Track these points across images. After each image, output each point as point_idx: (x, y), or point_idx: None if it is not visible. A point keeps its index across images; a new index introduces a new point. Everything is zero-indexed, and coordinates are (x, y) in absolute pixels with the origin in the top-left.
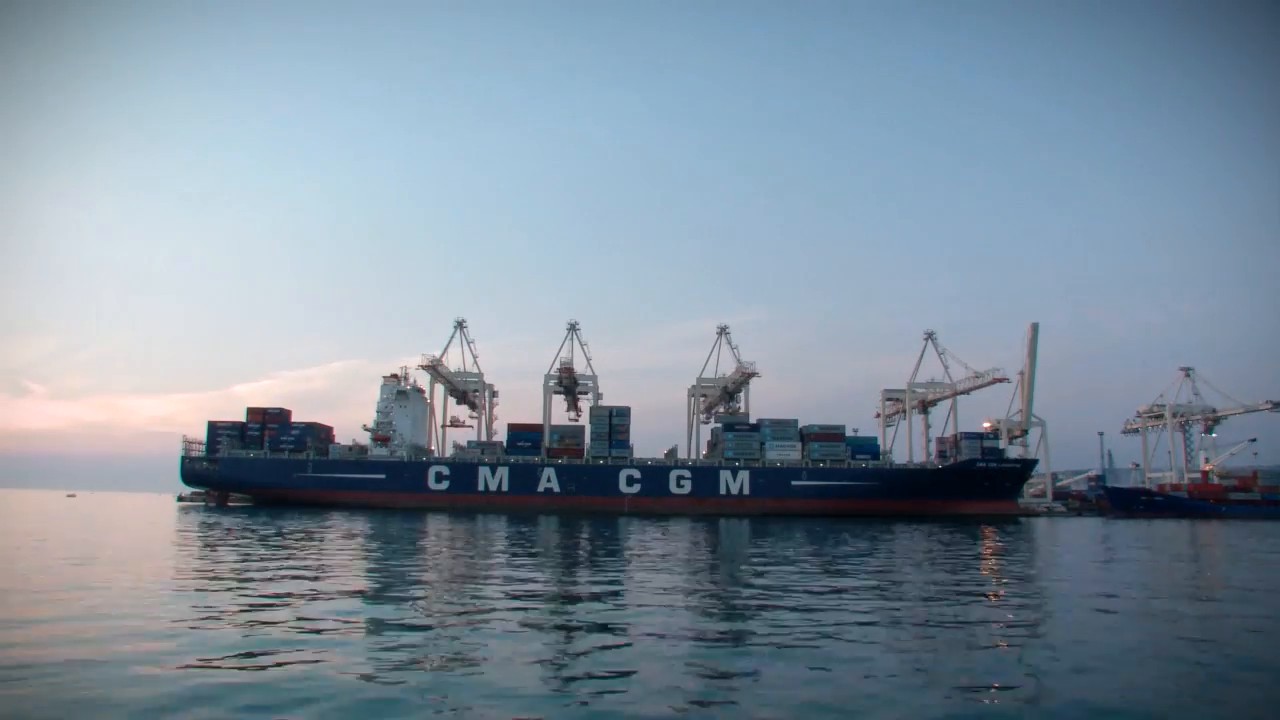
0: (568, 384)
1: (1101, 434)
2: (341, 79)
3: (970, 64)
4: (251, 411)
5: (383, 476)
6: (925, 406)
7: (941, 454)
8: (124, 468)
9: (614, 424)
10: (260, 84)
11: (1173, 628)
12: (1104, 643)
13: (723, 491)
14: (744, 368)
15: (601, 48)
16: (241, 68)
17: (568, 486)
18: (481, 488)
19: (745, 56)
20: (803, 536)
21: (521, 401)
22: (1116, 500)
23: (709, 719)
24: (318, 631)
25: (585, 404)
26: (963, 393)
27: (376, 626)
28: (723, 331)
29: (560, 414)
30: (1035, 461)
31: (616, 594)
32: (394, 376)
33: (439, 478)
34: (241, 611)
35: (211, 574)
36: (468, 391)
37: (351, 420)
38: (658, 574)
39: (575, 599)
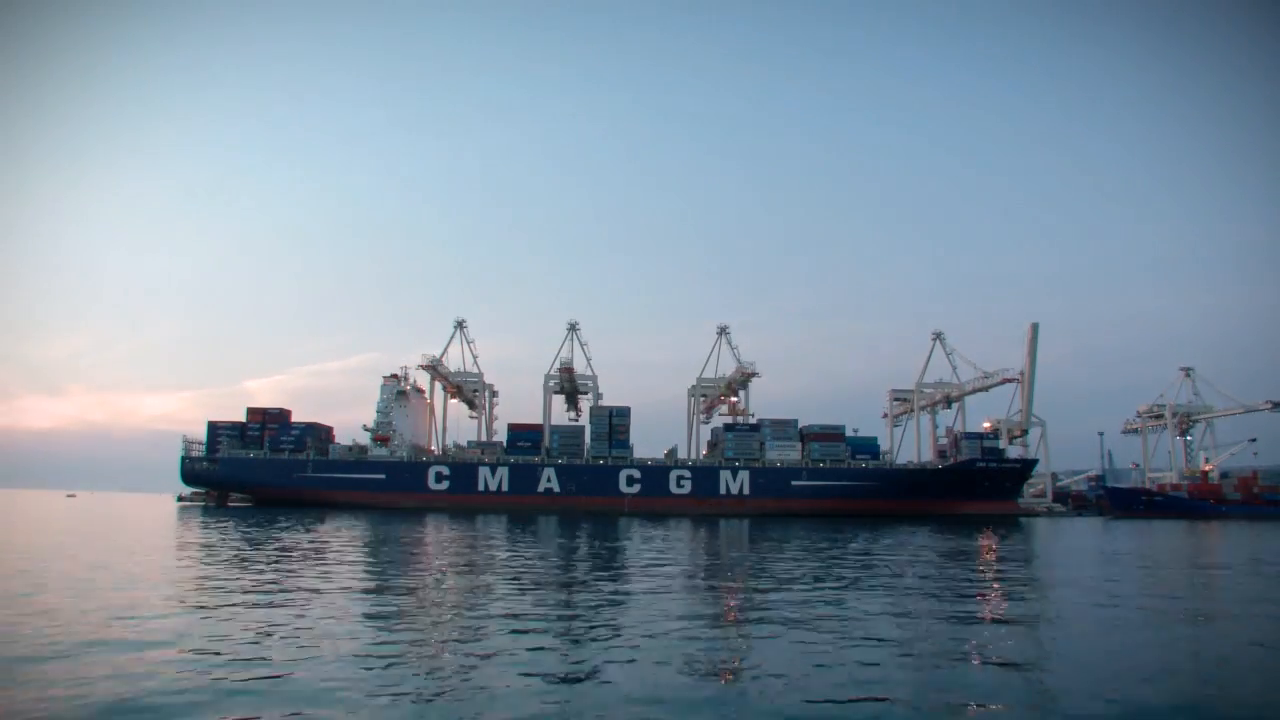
0: (568, 384)
1: (1101, 434)
2: (343, 79)
3: (970, 64)
4: (251, 411)
5: (383, 477)
6: (938, 406)
7: (941, 454)
8: (124, 468)
9: (614, 424)
10: (259, 85)
11: (1173, 627)
12: (1103, 643)
13: (723, 491)
14: (744, 367)
15: (601, 49)
16: (243, 68)
17: (568, 486)
18: (481, 488)
19: (745, 56)
20: (800, 538)
21: (521, 401)
22: (1116, 500)
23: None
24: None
25: (585, 404)
26: (971, 393)
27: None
28: (723, 331)
29: (560, 414)
30: (1035, 461)
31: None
32: (394, 377)
33: (439, 478)
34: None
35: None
36: (468, 391)
37: (353, 421)
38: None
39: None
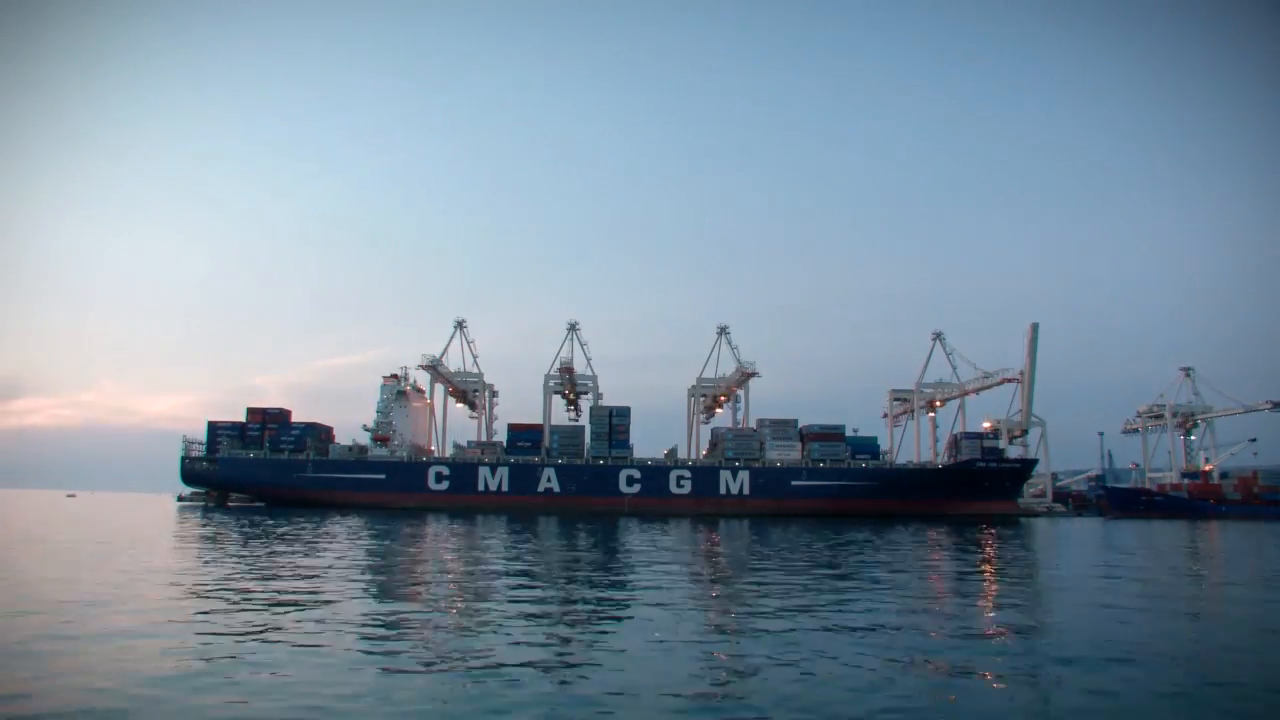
0: (568, 384)
1: (1101, 434)
2: (345, 80)
3: (970, 64)
4: (251, 412)
5: (383, 477)
6: (935, 406)
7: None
8: (125, 468)
9: (614, 424)
10: (265, 81)
11: (1172, 631)
12: (1105, 640)
13: (723, 491)
14: (744, 367)
15: (601, 49)
16: (251, 66)
17: (568, 486)
18: (481, 488)
19: (748, 58)
20: (800, 538)
21: (521, 401)
22: (1116, 500)
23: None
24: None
25: (585, 404)
26: (971, 393)
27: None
28: (723, 331)
29: (560, 414)
30: (1035, 461)
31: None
32: (394, 376)
33: (439, 478)
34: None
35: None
36: (468, 391)
37: (354, 421)
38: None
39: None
